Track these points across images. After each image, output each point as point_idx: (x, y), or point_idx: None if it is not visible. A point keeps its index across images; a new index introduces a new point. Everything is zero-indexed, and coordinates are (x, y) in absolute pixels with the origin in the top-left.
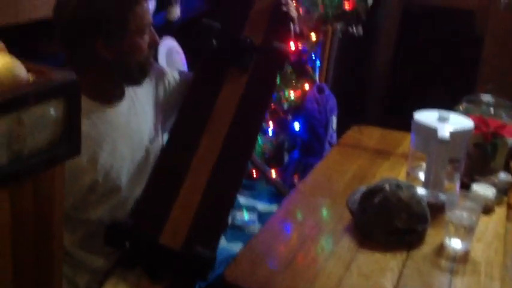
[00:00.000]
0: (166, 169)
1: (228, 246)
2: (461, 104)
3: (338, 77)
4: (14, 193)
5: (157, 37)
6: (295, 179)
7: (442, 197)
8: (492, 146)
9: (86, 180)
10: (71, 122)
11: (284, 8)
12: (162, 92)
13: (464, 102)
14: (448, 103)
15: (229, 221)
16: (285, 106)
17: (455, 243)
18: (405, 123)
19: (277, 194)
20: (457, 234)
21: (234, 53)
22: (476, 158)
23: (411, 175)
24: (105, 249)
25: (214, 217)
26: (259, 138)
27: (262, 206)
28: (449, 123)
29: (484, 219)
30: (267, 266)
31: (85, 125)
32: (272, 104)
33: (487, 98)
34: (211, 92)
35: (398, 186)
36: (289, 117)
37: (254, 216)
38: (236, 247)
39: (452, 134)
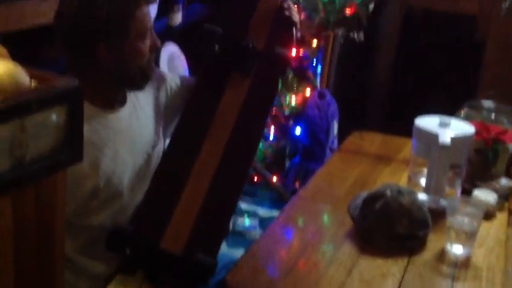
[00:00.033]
0: (168, 173)
1: (229, 251)
2: (462, 110)
3: (339, 83)
4: (16, 199)
5: (158, 41)
6: (297, 184)
7: (443, 202)
8: (493, 151)
9: (88, 186)
10: (73, 128)
11: (287, 13)
12: (164, 97)
13: (466, 108)
14: (449, 109)
15: (231, 226)
16: (286, 111)
17: (457, 249)
18: (406, 129)
19: (278, 200)
20: (458, 240)
21: (236, 58)
22: (477, 163)
23: (412, 181)
24: (106, 255)
25: (216, 222)
26: (260, 143)
27: (263, 211)
28: (451, 128)
29: (485, 225)
30: (268, 271)
31: (86, 131)
32: (273, 110)
33: (488, 103)
34: (213, 97)
35: (399, 192)
36: (291, 122)
37: (255, 222)
38: (237, 253)
39: (453, 140)
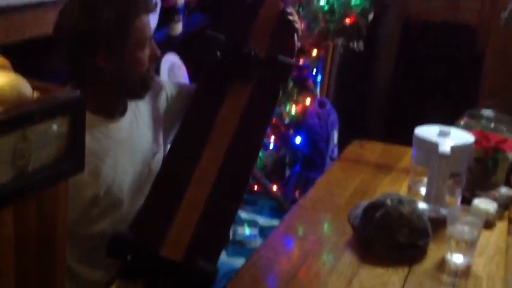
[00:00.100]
0: (168, 180)
1: (229, 261)
2: (462, 119)
3: (339, 92)
4: (18, 210)
5: (158, 51)
6: (297, 193)
7: (444, 211)
8: (493, 160)
9: (88, 194)
10: (75, 139)
11: (290, 17)
12: (163, 105)
13: (465, 117)
14: (449, 118)
15: (231, 235)
16: (286, 121)
17: (457, 258)
18: (406, 138)
19: (278, 209)
20: (458, 249)
21: (238, 65)
22: (477, 172)
23: (412, 190)
24: (106, 263)
25: (216, 229)
26: (260, 152)
27: (263, 220)
28: (450, 138)
29: (485, 234)
30: (268, 281)
31: (87, 140)
32: (273, 119)
33: (487, 112)
34: (214, 104)
35: (399, 201)
36: (291, 131)
37: (255, 231)
38: (237, 262)
39: (453, 149)
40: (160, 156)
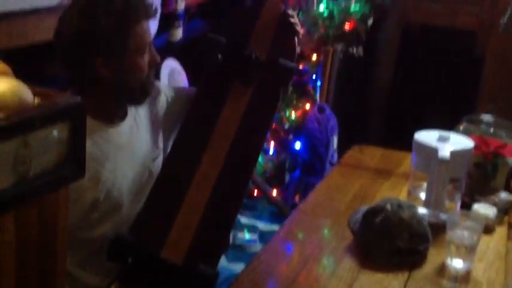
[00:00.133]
0: (168, 182)
1: (228, 266)
2: (461, 124)
3: (339, 97)
4: (19, 215)
5: (157, 57)
6: (296, 198)
7: (443, 216)
8: (492, 165)
9: (88, 198)
10: (76, 144)
11: (291, 19)
12: (162, 109)
13: (464, 122)
14: (448, 123)
15: (230, 240)
16: (286, 126)
17: (457, 263)
18: (406, 143)
19: (278, 214)
20: (458, 254)
21: (239, 67)
22: (477, 177)
23: (412, 195)
24: (105, 267)
25: (216, 233)
26: (260, 157)
27: (263, 225)
28: (450, 143)
29: (485, 239)
30: (268, 286)
31: (88, 145)
32: (273, 124)
33: (487, 117)
34: (214, 107)
35: (399, 206)
36: (290, 136)
37: (255, 236)
38: (237, 267)
39: (452, 154)
40: (160, 160)
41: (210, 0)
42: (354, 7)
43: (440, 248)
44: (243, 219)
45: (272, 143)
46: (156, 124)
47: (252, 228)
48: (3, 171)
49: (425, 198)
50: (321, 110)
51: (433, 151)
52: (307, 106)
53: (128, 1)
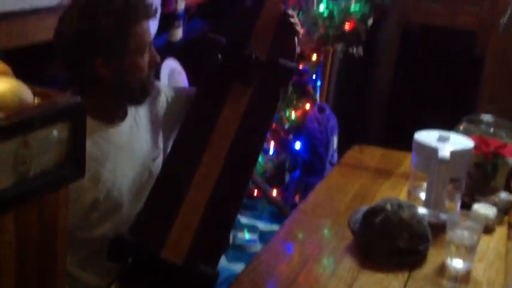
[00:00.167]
0: (168, 182)
1: (228, 266)
2: (461, 124)
3: (339, 97)
4: (19, 215)
5: (157, 57)
6: (296, 198)
7: (443, 216)
8: (492, 165)
9: (88, 198)
10: (76, 144)
11: (291, 19)
12: (162, 109)
13: (464, 122)
14: (448, 123)
15: (230, 240)
16: (286, 126)
17: (457, 263)
18: (406, 143)
19: (278, 214)
20: (458, 254)
21: (239, 67)
22: (477, 177)
23: (412, 195)
24: (105, 267)
25: (216, 233)
26: (260, 157)
27: (263, 225)
28: (450, 143)
29: (485, 239)
30: (268, 286)
31: (87, 145)
32: (273, 124)
33: (487, 118)
34: (214, 107)
35: (399, 206)
36: (290, 136)
37: (255, 236)
38: (237, 267)
39: (452, 154)
40: (160, 160)
41: (210, 0)
42: (354, 7)
43: (440, 248)
44: (243, 219)
45: (272, 143)
46: (156, 124)
47: (252, 228)
48: (3, 171)
49: (425, 198)
50: (321, 110)
51: (433, 151)
52: (307, 106)
53: (128, 1)
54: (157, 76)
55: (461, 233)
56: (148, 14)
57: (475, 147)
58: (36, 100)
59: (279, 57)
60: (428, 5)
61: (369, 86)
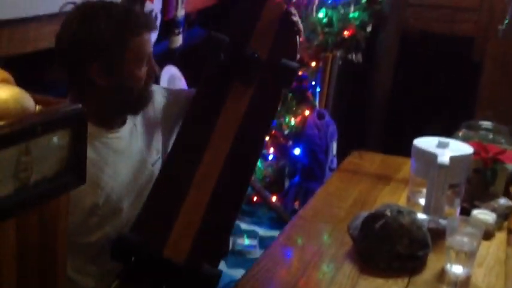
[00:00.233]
0: (168, 183)
1: (228, 271)
2: (460, 131)
3: (338, 103)
4: (20, 221)
5: (157, 69)
6: (296, 204)
7: (443, 222)
8: (492, 171)
9: (87, 203)
10: (77, 151)
11: (294, 18)
12: (161, 112)
13: (463, 129)
14: (447, 128)
15: (230, 246)
16: (286, 132)
17: (457, 269)
18: (405, 149)
19: (278, 220)
20: (458, 260)
21: (240, 66)
22: (476, 183)
23: (411, 200)
24: (102, 271)
25: (217, 233)
26: (260, 163)
27: (262, 231)
28: (449, 149)
29: (484, 244)
30: None
31: (87, 150)
32: (272, 130)
33: (486, 124)
34: (214, 107)
35: (399, 211)
36: (290, 142)
37: (255, 242)
38: (237, 273)
39: (452, 160)
40: (159, 165)
41: (210, 7)
42: (353, 14)
43: (440, 253)
44: (243, 225)
45: (272, 149)
46: (155, 128)
47: (251, 234)
48: (5, 178)
49: (425, 204)
50: (320, 116)
51: (433, 157)
52: (307, 112)
53: (129, 11)
54: (157, 82)
55: (460, 239)
56: (148, 26)
57: (474, 153)
58: (38, 107)
59: (280, 57)
60: (427, 11)
61: (368, 92)
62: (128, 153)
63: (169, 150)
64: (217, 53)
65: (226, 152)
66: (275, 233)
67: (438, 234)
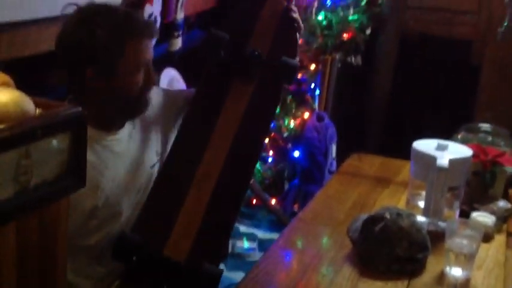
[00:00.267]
0: (168, 183)
1: (228, 274)
2: (459, 133)
3: (337, 106)
4: (20, 225)
5: (154, 77)
6: (295, 207)
7: (442, 225)
8: (491, 174)
9: (87, 206)
10: (77, 154)
11: (294, 15)
12: (159, 114)
13: (462, 131)
14: (446, 131)
15: (230, 249)
16: (285, 134)
17: (456, 271)
18: (404, 151)
19: (277, 222)
20: (457, 262)
21: (240, 65)
22: (475, 186)
23: (411, 203)
24: (101, 274)
25: (218, 232)
26: (259, 165)
27: (262, 234)
28: (448, 151)
29: (484, 247)
30: None
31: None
32: (272, 133)
33: (485, 126)
34: (214, 106)
35: (398, 214)
36: (289, 145)
37: (254, 244)
38: (236, 276)
39: (451, 162)
40: (159, 166)
41: (209, 10)
42: (352, 17)
43: (439, 256)
44: (242, 228)
45: (271, 152)
46: (155, 130)
47: (251, 237)
48: (5, 182)
49: (424, 207)
50: (319, 118)
51: (432, 159)
52: (306, 115)
53: (130, 15)
54: (156, 85)
55: (460, 242)
56: (148, 32)
57: (473, 155)
58: (38, 111)
59: (280, 54)
60: (426, 14)
61: (367, 95)
62: (127, 156)
63: (169, 150)
64: (217, 50)
65: (226, 151)
66: (274, 235)
67: (437, 237)
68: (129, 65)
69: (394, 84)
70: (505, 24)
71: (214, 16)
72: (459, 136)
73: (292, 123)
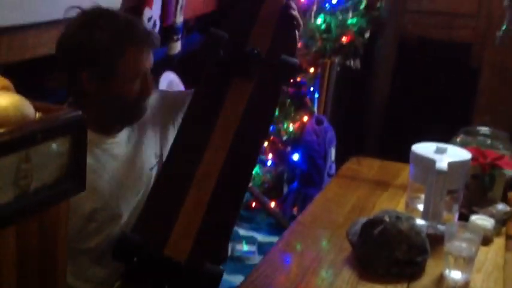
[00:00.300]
0: (168, 183)
1: (227, 278)
2: (458, 137)
3: (336, 109)
4: (20, 229)
5: (151, 87)
6: (295, 210)
7: (441, 228)
8: (490, 177)
9: (86, 209)
10: (77, 158)
11: (293, 12)
12: (158, 115)
13: (462, 134)
14: (445, 134)
15: (229, 252)
16: (284, 138)
17: (455, 275)
18: (403, 155)
19: (276, 226)
20: (456, 266)
21: (239, 64)
22: (474, 189)
23: (410, 206)
24: (100, 277)
25: (218, 232)
26: (258, 169)
27: (261, 237)
28: (447, 154)
29: (483, 250)
30: None
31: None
32: (271, 136)
33: (484, 129)
34: (214, 106)
35: (397, 217)
36: (288, 148)
37: (254, 248)
38: (236, 279)
39: (450, 165)
40: (158, 169)
41: (208, 13)
42: (351, 20)
43: (439, 259)
44: (242, 231)
45: (270, 155)
46: (154, 132)
47: (250, 240)
48: (5, 186)
49: (423, 210)
50: (318, 122)
51: (431, 163)
52: (305, 118)
53: (131, 22)
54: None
55: (459, 245)
56: (147, 42)
57: (472, 158)
58: (38, 115)
59: (280, 52)
60: (425, 17)
61: (366, 98)
62: (126, 158)
63: (168, 151)
64: (216, 49)
65: (226, 151)
66: (274, 239)
67: (437, 240)
68: (128, 71)
69: (393, 87)
70: (504, 27)
71: (213, 19)
72: (458, 139)
73: (291, 127)
